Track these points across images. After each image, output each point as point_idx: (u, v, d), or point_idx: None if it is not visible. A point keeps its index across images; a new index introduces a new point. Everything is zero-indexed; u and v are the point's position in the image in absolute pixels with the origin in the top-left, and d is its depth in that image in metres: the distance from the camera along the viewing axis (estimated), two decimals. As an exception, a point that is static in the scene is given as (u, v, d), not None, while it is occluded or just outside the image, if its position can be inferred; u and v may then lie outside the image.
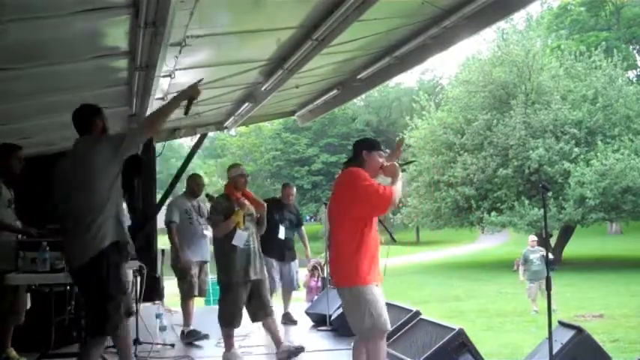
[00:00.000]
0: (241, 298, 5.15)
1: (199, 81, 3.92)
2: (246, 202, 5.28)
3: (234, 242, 5.13)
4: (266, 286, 5.40)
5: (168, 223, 6.32)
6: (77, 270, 3.73)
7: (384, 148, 4.05)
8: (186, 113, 4.01)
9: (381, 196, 3.73)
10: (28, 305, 5.04)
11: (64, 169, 3.78)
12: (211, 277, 7.97)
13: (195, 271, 6.29)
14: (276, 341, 5.34)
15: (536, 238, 14.07)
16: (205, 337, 6.27)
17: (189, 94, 3.86)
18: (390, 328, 3.89)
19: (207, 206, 6.52)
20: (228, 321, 5.19)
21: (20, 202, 4.95)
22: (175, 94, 3.94)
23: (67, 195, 3.71)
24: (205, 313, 7.23)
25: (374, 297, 3.75)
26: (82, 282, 3.81)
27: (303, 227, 7.52)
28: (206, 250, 6.52)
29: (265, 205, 5.53)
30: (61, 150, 7.41)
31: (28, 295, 5.03)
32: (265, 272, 5.49)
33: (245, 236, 5.18)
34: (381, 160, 3.94)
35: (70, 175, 3.71)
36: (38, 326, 4.97)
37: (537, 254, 13.15)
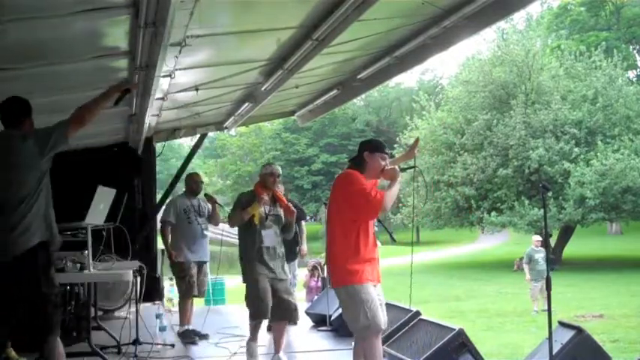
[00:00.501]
0: (262, 291, 5.02)
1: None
2: (266, 197, 5.21)
3: (265, 244, 5.09)
4: (285, 287, 5.24)
5: (164, 222, 6.32)
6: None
7: (388, 150, 4.05)
8: (116, 104, 3.89)
9: (370, 202, 3.75)
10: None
11: None
12: (211, 277, 7.96)
13: (194, 271, 6.28)
14: (276, 347, 5.28)
15: (540, 238, 14.02)
16: (205, 337, 6.27)
17: (125, 88, 3.79)
18: (384, 327, 3.90)
19: (207, 205, 6.53)
20: (251, 314, 5.13)
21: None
22: (108, 87, 3.79)
23: None
24: (205, 312, 7.22)
25: (369, 296, 3.77)
26: (6, 280, 3.57)
27: (303, 222, 7.34)
28: (205, 250, 6.51)
29: (295, 212, 5.41)
30: (61, 150, 7.44)
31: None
32: (287, 274, 5.36)
33: (270, 235, 5.16)
34: (383, 162, 3.94)
35: None
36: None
37: (542, 254, 13.08)
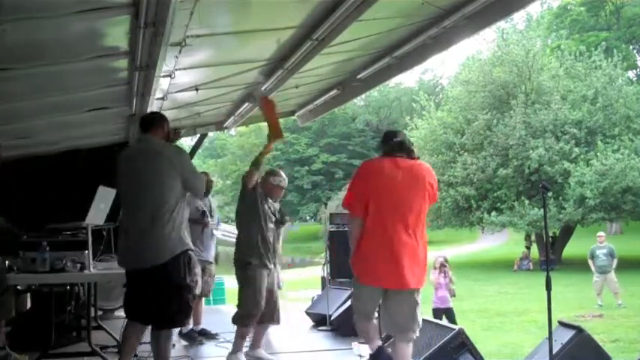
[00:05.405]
0: (260, 292, 4.98)
1: None
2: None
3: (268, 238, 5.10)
4: (273, 290, 5.20)
5: None
6: None
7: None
8: None
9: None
10: (28, 305, 5.04)
11: None
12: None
13: (198, 269, 6.24)
14: (254, 341, 5.24)
15: (604, 234, 14.51)
16: (214, 336, 6.26)
17: None
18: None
19: (214, 205, 6.56)
20: (245, 315, 5.05)
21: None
22: None
23: None
24: (208, 312, 7.21)
25: None
26: None
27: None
28: (211, 251, 6.48)
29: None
30: (62, 150, 7.45)
31: (28, 295, 5.03)
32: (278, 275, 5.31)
33: (271, 229, 5.16)
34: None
35: None
36: (38, 326, 4.97)
37: (604, 250, 13.90)
